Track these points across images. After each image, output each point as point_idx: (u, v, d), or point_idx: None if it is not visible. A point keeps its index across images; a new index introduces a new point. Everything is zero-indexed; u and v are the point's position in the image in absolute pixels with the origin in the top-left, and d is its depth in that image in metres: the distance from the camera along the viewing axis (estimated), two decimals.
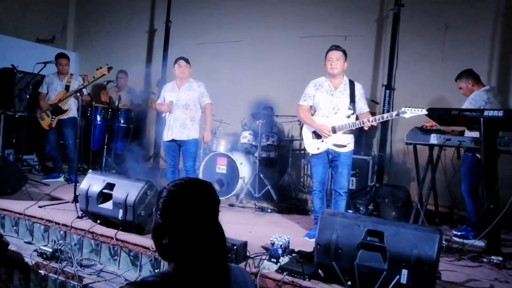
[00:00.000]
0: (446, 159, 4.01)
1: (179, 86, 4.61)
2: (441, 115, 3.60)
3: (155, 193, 3.45)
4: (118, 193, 3.44)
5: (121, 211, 3.37)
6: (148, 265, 3.17)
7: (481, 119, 3.32)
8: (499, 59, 5.10)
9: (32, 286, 3.31)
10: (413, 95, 5.22)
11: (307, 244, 3.33)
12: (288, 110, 5.80)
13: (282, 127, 6.29)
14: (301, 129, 5.59)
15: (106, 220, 3.53)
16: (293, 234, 3.52)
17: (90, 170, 3.99)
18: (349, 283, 2.50)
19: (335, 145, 3.67)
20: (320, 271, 2.64)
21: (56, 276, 3.15)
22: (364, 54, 5.79)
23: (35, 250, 3.41)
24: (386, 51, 5.51)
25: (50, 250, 3.30)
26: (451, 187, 4.21)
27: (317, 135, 3.73)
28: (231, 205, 4.98)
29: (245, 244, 3.02)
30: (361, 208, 4.60)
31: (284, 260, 2.90)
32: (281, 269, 2.75)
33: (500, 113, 3.26)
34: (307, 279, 2.64)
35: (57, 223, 3.61)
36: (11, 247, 3.49)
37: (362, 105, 3.77)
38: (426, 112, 3.46)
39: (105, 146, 6.16)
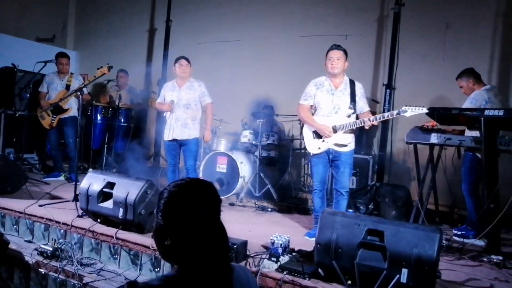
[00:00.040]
0: (447, 158, 4.01)
1: (179, 86, 4.60)
2: (442, 114, 3.60)
3: (155, 192, 3.46)
4: (118, 192, 3.44)
5: (121, 210, 3.38)
6: (148, 264, 3.17)
7: (482, 118, 3.31)
8: (499, 58, 5.09)
9: (32, 285, 3.31)
10: (414, 95, 5.22)
11: (307, 243, 3.33)
12: (288, 109, 5.80)
13: (282, 126, 6.29)
14: (301, 128, 5.59)
15: (106, 219, 3.53)
16: (293, 233, 3.52)
17: (90, 169, 3.99)
18: (349, 282, 2.50)
19: (336, 144, 3.67)
20: (320, 270, 2.64)
21: (56, 275, 3.16)
22: (364, 53, 5.79)
23: (36, 249, 3.41)
24: (387, 51, 5.50)
25: (51, 249, 3.30)
26: (451, 186, 4.21)
27: (318, 135, 3.73)
28: (232, 204, 4.99)
29: (245, 243, 3.03)
30: (361, 208, 4.60)
31: (284, 259, 2.90)
32: (281, 268, 2.75)
33: (501, 113, 3.26)
34: (307, 278, 2.64)
35: (57, 222, 3.61)
36: (12, 246, 3.49)
37: (362, 105, 3.77)
38: (427, 111, 3.46)
39: (106, 145, 6.16)
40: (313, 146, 3.76)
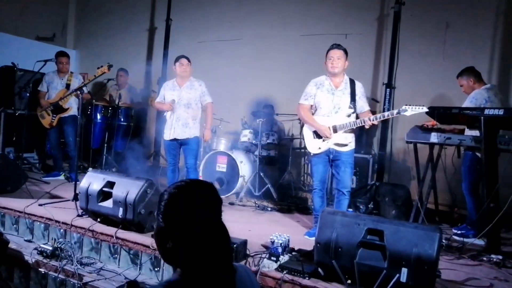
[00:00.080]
0: (447, 157, 4.01)
1: (180, 85, 4.59)
2: (442, 114, 3.60)
3: (155, 192, 3.46)
4: (118, 192, 3.44)
5: (121, 209, 3.38)
6: (148, 263, 3.17)
7: (482, 117, 3.31)
8: (499, 58, 5.09)
9: (32, 284, 3.31)
10: (414, 94, 5.21)
11: (307, 243, 3.33)
12: (288, 109, 5.80)
13: (282, 126, 6.29)
14: (301, 127, 5.60)
15: (106, 219, 3.53)
16: (293, 232, 3.52)
17: (90, 169, 3.98)
18: (349, 281, 2.50)
19: (336, 144, 3.66)
20: (320, 270, 2.64)
21: (56, 274, 3.16)
22: (364, 52, 5.78)
23: (35, 248, 3.42)
24: (387, 50, 5.50)
25: (50, 248, 3.31)
26: (451, 185, 4.22)
27: (318, 135, 3.72)
28: (231, 204, 4.98)
29: (245, 243, 3.03)
30: (361, 207, 4.60)
31: (284, 258, 2.90)
32: (281, 268, 2.75)
33: (501, 112, 3.26)
34: (307, 278, 2.64)
35: (57, 221, 3.61)
36: (11, 245, 3.49)
37: (362, 104, 3.76)
38: (427, 110, 3.46)
39: (105, 144, 6.15)
40: (313, 146, 3.76)
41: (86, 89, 5.20)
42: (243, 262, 2.89)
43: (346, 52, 3.69)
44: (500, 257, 3.18)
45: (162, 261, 3.11)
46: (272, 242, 2.93)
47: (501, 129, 3.60)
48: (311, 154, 3.80)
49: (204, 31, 7.04)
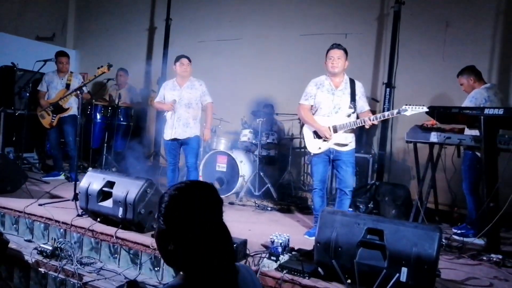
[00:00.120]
0: (446, 157, 4.00)
1: (180, 85, 4.58)
2: (441, 113, 3.59)
3: (155, 191, 3.46)
4: (118, 191, 3.44)
5: (121, 209, 3.37)
6: (148, 263, 3.17)
7: (481, 117, 3.31)
8: (499, 57, 5.09)
9: (32, 284, 3.31)
10: (414, 93, 5.21)
11: (307, 242, 3.33)
12: (288, 108, 5.80)
13: (282, 125, 6.29)
14: (301, 127, 5.60)
15: (106, 218, 3.53)
16: (293, 232, 3.52)
17: (90, 168, 3.98)
18: (349, 281, 2.50)
19: (337, 144, 3.66)
20: (320, 269, 2.64)
21: (56, 274, 3.16)
22: (364, 52, 5.78)
23: (35, 248, 3.42)
24: (387, 49, 5.50)
25: (50, 248, 3.30)
26: (451, 185, 4.21)
27: (318, 135, 3.72)
28: (231, 203, 4.99)
29: (245, 242, 3.03)
30: (361, 206, 4.60)
31: (284, 258, 2.90)
32: (281, 267, 2.75)
33: (501, 111, 3.26)
34: (307, 277, 2.64)
35: (57, 221, 3.61)
36: (11, 245, 3.49)
37: (362, 104, 3.76)
38: (427, 110, 3.46)
39: (105, 144, 6.15)
40: (313, 146, 3.75)
41: (86, 89, 5.20)
42: (243, 262, 2.89)
43: (346, 52, 3.68)
44: (500, 256, 3.18)
45: (162, 261, 3.11)
46: (272, 242, 2.93)
47: (501, 128, 3.60)
48: (311, 154, 3.80)
49: (204, 30, 7.04)
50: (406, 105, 3.42)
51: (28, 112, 5.88)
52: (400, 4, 5.23)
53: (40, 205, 3.95)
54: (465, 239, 3.68)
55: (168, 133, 4.54)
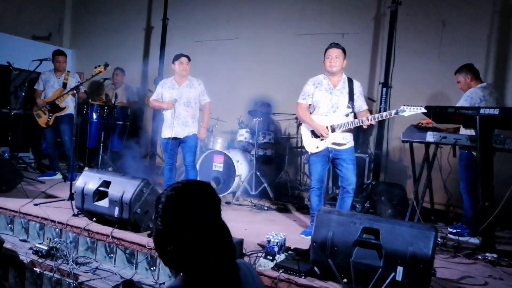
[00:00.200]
0: (442, 157, 4.02)
1: (179, 84, 4.55)
2: (438, 113, 3.60)
3: (151, 191, 3.45)
4: (114, 191, 3.43)
5: (117, 208, 3.37)
6: (144, 262, 3.16)
7: (477, 117, 3.32)
8: (495, 57, 5.11)
9: (27, 284, 3.30)
10: (410, 93, 5.23)
11: (303, 242, 3.33)
12: (285, 108, 5.81)
13: (279, 125, 6.29)
14: (297, 127, 5.63)
15: (102, 218, 3.52)
16: (290, 231, 3.53)
17: (86, 168, 3.97)
18: (345, 280, 2.50)
19: (335, 143, 3.66)
20: (316, 269, 2.64)
21: (51, 274, 3.15)
22: (361, 52, 5.79)
23: (31, 248, 3.40)
24: (383, 49, 5.51)
25: (46, 248, 3.30)
26: (446, 184, 4.22)
27: (316, 134, 3.72)
28: (228, 203, 4.98)
29: (241, 242, 3.03)
30: (357, 206, 4.61)
31: (280, 257, 2.90)
32: (277, 267, 2.75)
33: (496, 111, 3.27)
34: (303, 277, 2.64)
35: (52, 221, 3.60)
36: (6, 245, 3.48)
37: (361, 103, 3.76)
38: (425, 111, 3.46)
39: (102, 144, 6.14)
40: (311, 145, 3.75)
41: (83, 88, 5.18)
42: None
43: (344, 51, 3.68)
44: (495, 255, 3.20)
45: (158, 261, 3.10)
46: (268, 241, 2.93)
47: (496, 128, 3.62)
48: (309, 153, 3.79)
49: (200, 30, 7.03)
50: (404, 105, 3.42)
51: (23, 112, 5.85)
52: (397, 4, 5.24)
53: (35, 204, 3.93)
54: (461, 238, 3.70)
55: (167, 132, 4.50)
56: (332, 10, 6.09)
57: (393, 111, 3.50)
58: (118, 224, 3.41)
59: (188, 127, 4.51)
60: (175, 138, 4.49)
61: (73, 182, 4.15)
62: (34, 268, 3.24)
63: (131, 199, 3.31)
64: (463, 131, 3.89)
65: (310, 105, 3.81)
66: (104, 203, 3.49)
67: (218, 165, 5.41)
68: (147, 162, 6.90)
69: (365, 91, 5.56)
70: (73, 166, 4.57)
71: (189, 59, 4.53)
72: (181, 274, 1.25)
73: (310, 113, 3.80)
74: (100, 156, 6.03)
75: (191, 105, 4.53)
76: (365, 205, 4.61)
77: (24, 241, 3.68)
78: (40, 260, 3.26)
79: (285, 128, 6.31)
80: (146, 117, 7.49)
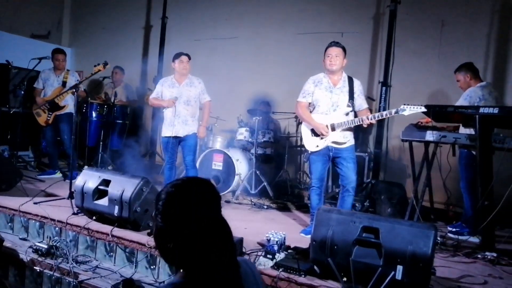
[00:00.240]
0: (442, 155, 4.02)
1: (179, 82, 4.54)
2: (437, 112, 3.61)
3: (151, 190, 3.45)
4: (113, 190, 3.43)
5: (116, 207, 3.37)
6: (144, 261, 3.17)
7: (477, 116, 3.33)
8: (494, 56, 5.11)
9: (27, 282, 3.30)
10: (409, 92, 5.24)
11: (303, 241, 3.34)
12: (284, 107, 5.81)
13: (278, 124, 6.29)
14: (297, 125, 5.63)
15: (102, 217, 3.52)
16: (289, 230, 3.53)
17: (85, 167, 3.97)
18: (345, 279, 2.50)
19: (335, 142, 3.67)
20: (315, 267, 2.65)
21: (51, 273, 3.14)
22: (360, 51, 5.79)
23: (30, 247, 3.40)
24: (383, 48, 5.51)
25: (46, 246, 3.30)
26: (446, 183, 4.23)
27: (316, 133, 3.72)
28: (227, 202, 4.98)
29: (240, 240, 3.03)
30: (357, 205, 4.61)
31: (280, 256, 2.90)
32: (276, 265, 2.75)
33: (495, 110, 3.27)
34: (303, 275, 2.65)
35: (52, 220, 3.59)
36: (6, 244, 3.48)
37: (361, 102, 3.76)
38: (425, 110, 3.46)
39: (101, 142, 6.13)
40: (311, 144, 3.75)
41: (82, 87, 5.17)
42: None
43: (344, 50, 3.68)
44: (495, 254, 3.21)
45: (158, 259, 3.10)
46: (268, 240, 2.93)
47: (496, 127, 3.62)
48: (309, 152, 3.79)
49: (200, 29, 7.03)
50: (404, 104, 3.42)
51: (23, 110, 5.85)
52: (396, 3, 5.24)
53: (35, 203, 3.93)
54: (460, 237, 3.70)
55: (168, 131, 4.49)
56: (331, 10, 6.09)
57: (393, 110, 3.49)
58: (118, 223, 3.41)
59: (188, 126, 4.50)
60: (175, 137, 4.48)
61: (72, 180, 4.14)
62: (34, 267, 3.24)
63: (130, 198, 3.31)
64: (463, 130, 3.90)
65: (310, 103, 3.80)
66: (104, 201, 3.49)
67: (217, 164, 5.41)
68: (146, 160, 6.90)
69: (365, 90, 5.53)
70: (73, 164, 4.56)
71: (189, 58, 4.51)
72: (181, 270, 1.25)
73: (310, 112, 3.80)
74: (100, 154, 6.03)
75: (191, 103, 4.53)
76: (365, 204, 4.61)
77: (24, 239, 3.68)
78: (40, 259, 3.25)
79: (285, 127, 6.32)
80: (145, 116, 7.49)
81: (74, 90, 4.45)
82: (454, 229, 3.98)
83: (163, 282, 3.02)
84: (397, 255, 2.37)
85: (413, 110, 3.40)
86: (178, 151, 4.64)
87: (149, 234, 3.28)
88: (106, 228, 3.38)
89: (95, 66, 4.37)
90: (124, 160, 5.70)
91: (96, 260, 3.34)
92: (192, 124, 4.54)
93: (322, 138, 3.68)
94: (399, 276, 2.35)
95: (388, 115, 3.59)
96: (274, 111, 6.09)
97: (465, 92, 3.99)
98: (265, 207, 4.84)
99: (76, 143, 4.89)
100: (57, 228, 3.58)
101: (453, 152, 4.06)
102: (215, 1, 7.00)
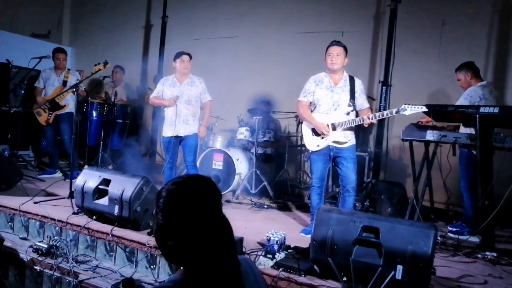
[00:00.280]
0: (442, 155, 4.02)
1: (180, 82, 4.53)
2: (438, 111, 3.61)
3: (151, 189, 3.45)
4: (114, 189, 3.43)
5: (117, 207, 3.37)
6: (144, 261, 3.17)
7: (477, 115, 3.32)
8: (495, 55, 5.11)
9: (27, 282, 3.30)
10: (410, 92, 5.23)
11: (303, 240, 3.34)
12: (285, 106, 5.80)
13: (278, 123, 6.29)
14: (297, 125, 5.62)
15: (102, 216, 3.52)
16: (289, 230, 3.53)
17: (86, 166, 3.98)
18: (345, 278, 2.50)
19: (335, 142, 3.66)
20: (315, 267, 2.65)
21: (51, 272, 3.14)
22: (361, 50, 5.78)
23: (31, 246, 3.40)
24: (383, 48, 5.51)
25: (46, 246, 3.29)
26: (446, 183, 4.23)
27: (316, 132, 3.72)
28: (228, 201, 4.98)
29: (241, 240, 3.03)
30: (357, 204, 4.60)
31: (280, 256, 2.90)
32: (277, 265, 2.75)
33: (496, 110, 3.27)
34: (303, 275, 2.64)
35: (52, 219, 3.60)
36: (6, 243, 3.48)
37: (362, 101, 3.75)
38: (426, 110, 3.45)
39: (101, 142, 6.13)
40: (312, 143, 3.75)
41: (83, 86, 5.17)
42: None
43: (345, 49, 3.67)
44: (495, 254, 3.20)
45: (158, 259, 3.11)
46: (268, 240, 2.93)
47: (496, 126, 3.62)
48: (310, 151, 3.79)
49: (200, 28, 7.02)
50: (405, 104, 3.41)
51: (23, 110, 5.84)
52: (397, 3, 5.24)
53: (35, 203, 3.93)
54: (460, 237, 3.70)
55: (169, 130, 4.47)
56: (332, 9, 6.08)
57: (394, 110, 3.49)
58: (118, 222, 3.41)
59: (189, 125, 4.49)
60: (176, 137, 4.48)
61: (73, 180, 4.14)
62: (34, 266, 3.24)
63: (131, 197, 3.31)
64: (463, 129, 3.89)
65: (311, 103, 3.80)
66: (104, 201, 3.49)
67: (218, 164, 5.41)
68: (147, 160, 6.89)
69: (365, 90, 5.55)
70: (73, 164, 4.56)
71: (190, 57, 4.51)
72: (181, 268, 1.25)
73: (311, 111, 3.79)
74: (100, 154, 6.03)
75: (192, 103, 4.52)
76: (365, 203, 4.61)
77: (24, 239, 3.68)
78: (40, 258, 3.25)
79: (285, 126, 6.31)
80: (146, 115, 7.49)
81: (74, 89, 4.45)
82: (454, 229, 3.98)
83: (163, 281, 3.02)
84: (397, 254, 2.37)
85: (414, 110, 3.40)
86: (178, 151, 4.63)
87: (149, 234, 3.28)
88: (106, 228, 3.38)
89: (95, 65, 4.37)
90: (125, 159, 5.70)
91: (96, 260, 3.34)
92: (193, 123, 4.53)
93: (323, 138, 3.68)
94: (399, 275, 2.35)
95: (389, 115, 3.58)
96: (274, 111, 6.08)
97: (465, 92, 3.98)
98: (265, 206, 4.84)
99: (77, 143, 4.89)
100: (57, 228, 3.58)
101: (453, 152, 4.06)
102: (215, 1, 6.99)
